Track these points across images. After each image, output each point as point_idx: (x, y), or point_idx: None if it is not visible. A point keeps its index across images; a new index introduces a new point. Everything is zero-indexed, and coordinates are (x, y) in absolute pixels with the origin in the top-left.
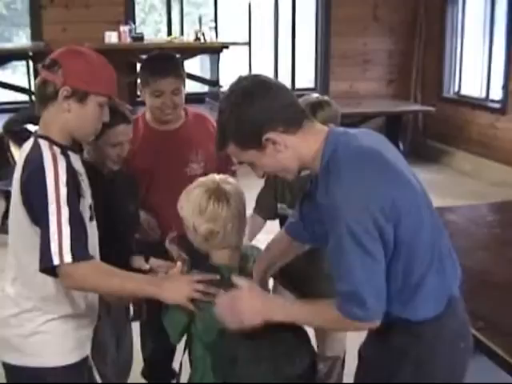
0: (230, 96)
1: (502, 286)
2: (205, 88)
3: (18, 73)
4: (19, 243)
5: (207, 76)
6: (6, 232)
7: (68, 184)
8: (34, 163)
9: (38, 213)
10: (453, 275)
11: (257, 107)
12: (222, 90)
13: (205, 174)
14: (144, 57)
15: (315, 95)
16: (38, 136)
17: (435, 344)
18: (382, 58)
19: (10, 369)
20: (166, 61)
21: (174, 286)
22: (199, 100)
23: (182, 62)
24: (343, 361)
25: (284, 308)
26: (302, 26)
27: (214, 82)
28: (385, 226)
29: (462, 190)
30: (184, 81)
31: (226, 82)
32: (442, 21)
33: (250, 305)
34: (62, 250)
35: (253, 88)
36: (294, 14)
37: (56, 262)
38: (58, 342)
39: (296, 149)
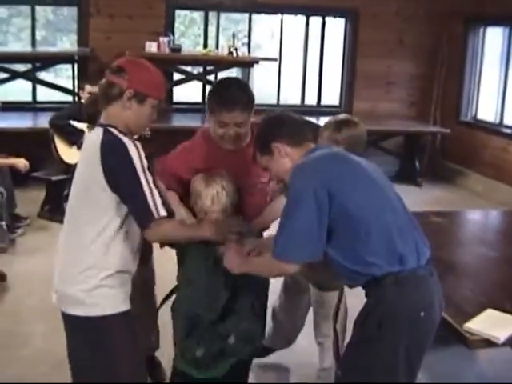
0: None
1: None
2: None
3: (61, 75)
4: (83, 217)
5: None
6: (46, 217)
7: (144, 159)
8: (117, 146)
9: (128, 184)
10: (407, 251)
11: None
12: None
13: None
14: (213, 84)
15: (345, 114)
16: (106, 125)
17: (395, 307)
18: (404, 80)
19: (74, 320)
20: (235, 91)
21: (215, 228)
22: None
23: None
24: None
25: (249, 263)
26: (330, 47)
27: None
28: (323, 197)
29: (471, 207)
30: (252, 110)
31: (256, 94)
32: (463, 48)
33: (232, 258)
34: (157, 207)
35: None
36: (323, 35)
37: (156, 216)
38: (114, 294)
39: (291, 158)
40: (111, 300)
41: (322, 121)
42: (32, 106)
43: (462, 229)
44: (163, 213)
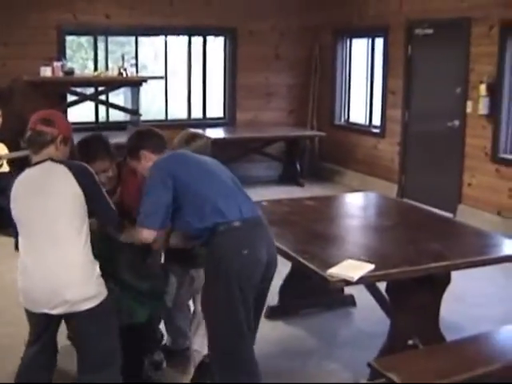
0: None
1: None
2: (127, 117)
3: None
4: (73, 230)
5: (129, 106)
6: None
7: None
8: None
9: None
10: (230, 209)
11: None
12: (141, 118)
13: None
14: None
15: (192, 130)
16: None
17: (224, 248)
18: (282, 91)
19: (88, 312)
20: (93, 145)
21: None
22: (122, 127)
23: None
24: None
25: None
26: (212, 63)
27: (135, 111)
28: (168, 184)
29: None
30: (112, 157)
31: (146, 111)
32: (333, 58)
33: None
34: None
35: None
36: (204, 53)
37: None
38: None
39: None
40: (103, 283)
41: (209, 132)
42: None
43: (329, 208)
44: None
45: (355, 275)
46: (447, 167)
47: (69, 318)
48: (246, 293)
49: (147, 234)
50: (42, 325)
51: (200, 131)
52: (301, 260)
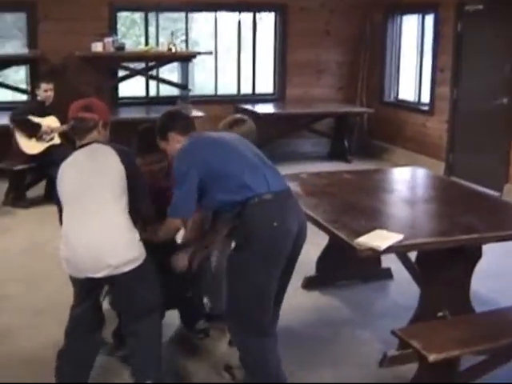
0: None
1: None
2: (178, 92)
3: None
4: (116, 201)
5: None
6: (9, 204)
7: None
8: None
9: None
10: (257, 184)
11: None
12: (190, 93)
13: None
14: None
15: (238, 115)
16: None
17: (254, 220)
18: (332, 67)
19: (132, 273)
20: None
21: None
22: (172, 102)
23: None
24: None
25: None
26: (262, 39)
27: (184, 86)
28: (197, 166)
29: None
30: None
31: (198, 86)
32: (383, 35)
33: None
34: None
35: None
36: (254, 28)
37: None
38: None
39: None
40: (143, 245)
41: (258, 108)
42: None
43: (367, 181)
44: None
45: (382, 244)
46: (495, 145)
47: (112, 279)
48: (273, 264)
49: (178, 223)
50: (86, 288)
51: (246, 117)
52: (331, 229)
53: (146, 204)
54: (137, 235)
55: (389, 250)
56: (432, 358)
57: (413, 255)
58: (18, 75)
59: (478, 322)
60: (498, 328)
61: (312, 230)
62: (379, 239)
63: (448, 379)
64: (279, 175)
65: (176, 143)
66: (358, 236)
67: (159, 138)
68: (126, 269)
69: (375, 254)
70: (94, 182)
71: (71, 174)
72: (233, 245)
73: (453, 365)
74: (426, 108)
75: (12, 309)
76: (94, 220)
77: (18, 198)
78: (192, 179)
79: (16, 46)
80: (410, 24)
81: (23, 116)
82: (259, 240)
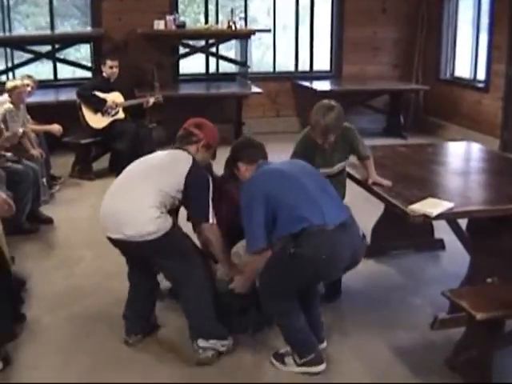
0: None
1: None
2: (237, 69)
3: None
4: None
5: (238, 58)
6: (76, 177)
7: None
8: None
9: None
10: (314, 217)
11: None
12: (249, 70)
13: None
14: None
15: (326, 101)
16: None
17: (303, 250)
18: (388, 45)
19: (153, 242)
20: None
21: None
22: (231, 79)
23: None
24: None
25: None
26: (319, 17)
27: (243, 63)
28: (261, 200)
29: None
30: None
31: (256, 64)
32: (440, 13)
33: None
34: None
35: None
36: (312, 6)
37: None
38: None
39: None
40: (168, 221)
41: (315, 84)
42: (53, 84)
43: (420, 154)
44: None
45: (434, 211)
46: None
47: (131, 244)
48: (309, 284)
49: (260, 254)
50: (123, 251)
51: (332, 101)
52: (386, 197)
53: (200, 208)
54: (158, 212)
55: (440, 216)
56: (479, 316)
57: (464, 225)
58: (79, 53)
59: None
60: None
61: (368, 202)
62: (431, 206)
63: (493, 339)
64: (338, 206)
65: (245, 172)
66: (411, 203)
67: (231, 166)
68: (141, 239)
69: (427, 220)
70: (152, 171)
71: (143, 159)
72: None
73: (498, 325)
74: (481, 85)
75: (83, 272)
76: (127, 193)
77: (84, 171)
78: (259, 208)
79: (74, 25)
80: (466, 1)
81: (89, 92)
82: (305, 265)
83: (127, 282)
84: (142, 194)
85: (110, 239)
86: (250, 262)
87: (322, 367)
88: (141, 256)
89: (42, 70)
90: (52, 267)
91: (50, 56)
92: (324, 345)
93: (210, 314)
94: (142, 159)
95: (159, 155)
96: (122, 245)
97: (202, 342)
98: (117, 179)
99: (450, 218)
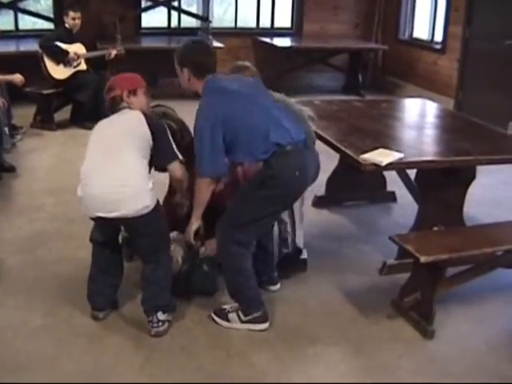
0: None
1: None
2: (199, 23)
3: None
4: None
5: (200, 13)
6: (38, 127)
7: None
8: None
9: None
10: (280, 136)
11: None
12: (210, 25)
13: None
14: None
15: (240, 62)
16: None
17: (278, 168)
18: (350, 4)
19: (144, 216)
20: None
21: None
22: (193, 33)
23: None
24: None
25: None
26: None
27: (205, 18)
28: (218, 126)
29: None
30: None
31: (218, 19)
32: None
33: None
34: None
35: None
36: None
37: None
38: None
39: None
40: (156, 194)
41: (275, 41)
42: (15, 34)
43: (375, 109)
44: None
45: (384, 160)
46: (503, 85)
47: (122, 221)
48: (284, 207)
49: (209, 183)
50: (102, 226)
51: (248, 63)
52: (339, 146)
53: (169, 153)
54: (150, 184)
55: (390, 166)
56: (423, 259)
57: (413, 176)
58: (40, 4)
59: (466, 234)
60: (483, 239)
61: (323, 155)
62: (382, 156)
63: (436, 282)
64: (298, 123)
65: (186, 80)
66: (363, 153)
67: (176, 64)
68: (136, 214)
69: (378, 169)
70: (120, 132)
71: (102, 126)
72: None
73: (440, 269)
74: (438, 46)
75: (45, 217)
76: (112, 166)
77: (45, 121)
78: (216, 135)
79: None
80: None
81: (52, 42)
82: (280, 185)
83: (89, 226)
84: (130, 164)
85: (100, 218)
86: (198, 192)
87: (265, 325)
88: (126, 230)
89: (2, 20)
90: (15, 213)
91: (12, 6)
92: (277, 286)
93: (169, 287)
94: (102, 127)
95: (114, 122)
96: (114, 222)
97: (161, 316)
98: (90, 156)
99: (399, 167)
